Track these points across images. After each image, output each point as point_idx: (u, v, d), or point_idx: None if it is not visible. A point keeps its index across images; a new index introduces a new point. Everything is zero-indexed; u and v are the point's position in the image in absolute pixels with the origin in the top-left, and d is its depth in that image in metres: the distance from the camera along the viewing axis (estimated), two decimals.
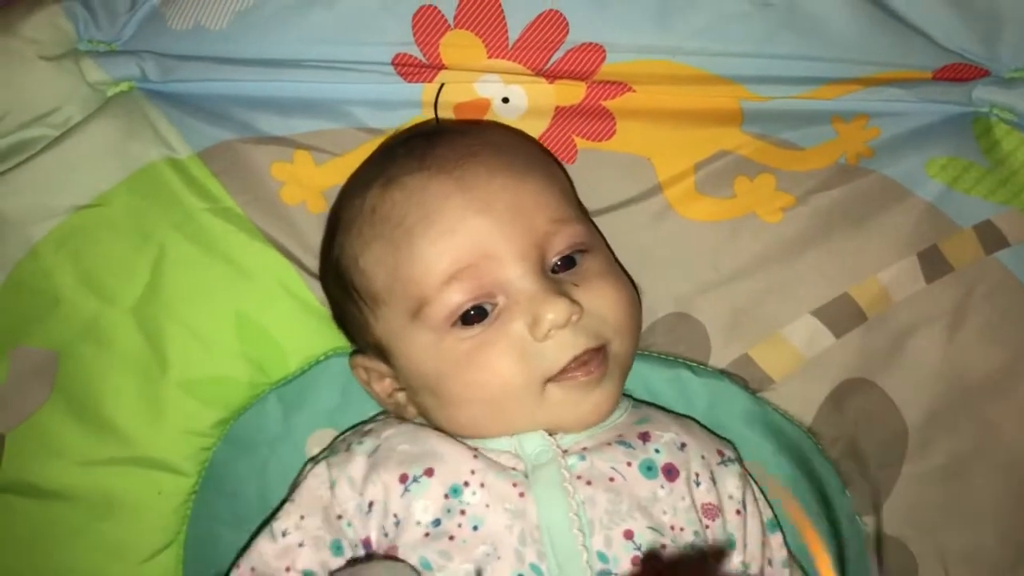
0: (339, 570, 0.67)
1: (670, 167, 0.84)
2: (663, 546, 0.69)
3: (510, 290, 0.70)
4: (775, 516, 0.79)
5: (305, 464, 0.77)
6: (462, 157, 0.73)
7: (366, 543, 0.70)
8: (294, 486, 0.76)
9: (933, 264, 0.82)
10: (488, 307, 0.70)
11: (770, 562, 0.76)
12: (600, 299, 0.72)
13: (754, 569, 0.74)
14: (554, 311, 0.68)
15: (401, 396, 0.77)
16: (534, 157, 0.79)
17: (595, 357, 0.71)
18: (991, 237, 0.82)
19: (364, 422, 0.82)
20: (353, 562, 0.69)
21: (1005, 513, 0.81)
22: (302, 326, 0.84)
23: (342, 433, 0.81)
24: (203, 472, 0.83)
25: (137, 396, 0.81)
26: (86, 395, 0.80)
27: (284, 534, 0.71)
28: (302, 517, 0.72)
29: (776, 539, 0.77)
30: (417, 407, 0.77)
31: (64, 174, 0.80)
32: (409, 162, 0.74)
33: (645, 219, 0.84)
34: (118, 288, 0.81)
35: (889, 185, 0.83)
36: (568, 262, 0.73)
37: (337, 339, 0.84)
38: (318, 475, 0.73)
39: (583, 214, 0.79)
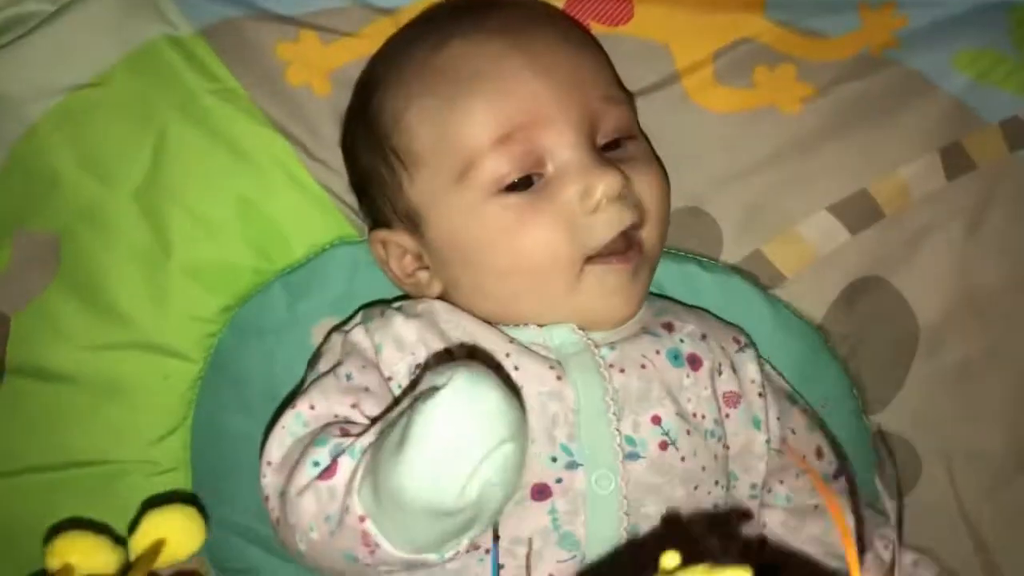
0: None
1: (688, 54, 0.82)
2: (687, 432, 0.69)
3: (561, 159, 0.68)
4: (792, 388, 0.80)
5: (329, 335, 0.76)
6: (522, 21, 0.72)
7: None
8: (316, 357, 0.74)
9: (955, 161, 0.81)
10: (535, 177, 0.69)
11: (793, 431, 0.76)
12: (643, 184, 0.71)
13: (775, 443, 0.74)
14: (606, 182, 0.67)
15: (423, 275, 0.76)
16: (585, 33, 0.78)
17: (632, 247, 0.70)
18: (1017, 134, 0.80)
19: (383, 301, 0.80)
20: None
21: (1013, 417, 0.81)
22: (306, 213, 0.82)
23: (359, 309, 0.79)
24: (209, 358, 0.83)
25: (141, 281, 0.80)
26: (90, 279, 0.80)
27: (348, 377, 0.69)
28: (363, 367, 0.70)
29: (796, 409, 0.78)
30: (444, 284, 0.75)
31: (61, 51, 0.78)
32: (464, 24, 0.72)
33: (661, 109, 0.82)
34: (119, 171, 0.80)
35: (914, 77, 0.81)
36: (613, 145, 0.72)
37: (343, 227, 0.83)
38: (361, 339, 0.71)
39: (631, 99, 0.78)
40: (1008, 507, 0.80)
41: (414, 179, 0.72)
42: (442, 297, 0.75)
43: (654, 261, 0.74)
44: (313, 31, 0.81)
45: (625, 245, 0.70)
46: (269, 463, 0.65)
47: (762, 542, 0.74)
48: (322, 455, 0.60)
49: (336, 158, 0.82)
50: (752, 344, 0.78)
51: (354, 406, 0.66)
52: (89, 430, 0.80)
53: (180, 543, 0.65)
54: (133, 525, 0.65)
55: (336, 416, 0.66)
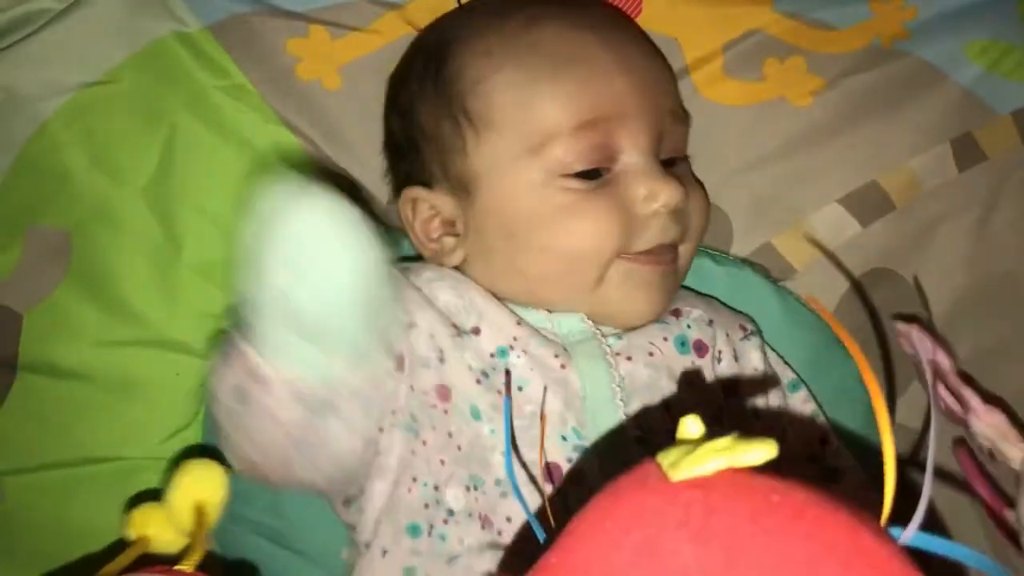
0: None
1: (698, 47, 0.82)
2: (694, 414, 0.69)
3: (630, 159, 0.69)
4: (798, 377, 0.79)
5: None
6: (608, 20, 0.73)
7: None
8: None
9: (966, 152, 0.80)
10: (603, 171, 0.69)
11: (798, 418, 0.76)
12: (693, 202, 0.72)
13: (775, 432, 0.74)
14: (669, 192, 0.68)
15: (448, 241, 0.74)
16: (657, 48, 0.79)
17: (668, 255, 0.71)
18: None
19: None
20: None
21: None
22: None
23: None
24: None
25: (152, 278, 0.80)
26: (100, 276, 0.80)
27: None
28: None
29: (799, 396, 0.77)
30: (468, 254, 0.73)
31: (71, 49, 0.78)
32: (553, 8, 0.72)
33: None
34: (129, 168, 0.80)
35: (924, 69, 0.81)
36: (668, 163, 0.72)
37: None
38: None
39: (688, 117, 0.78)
40: None
41: (481, 144, 0.71)
42: (459, 269, 0.74)
43: (682, 277, 0.75)
44: (322, 26, 0.81)
45: (662, 253, 0.70)
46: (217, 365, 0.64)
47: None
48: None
49: (345, 154, 0.82)
50: (758, 332, 0.78)
51: None
52: (102, 427, 0.81)
53: (213, 500, 0.65)
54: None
55: None
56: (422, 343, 0.69)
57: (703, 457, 0.33)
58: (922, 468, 0.37)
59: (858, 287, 0.82)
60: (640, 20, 0.81)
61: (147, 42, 0.79)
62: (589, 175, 0.69)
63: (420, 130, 0.75)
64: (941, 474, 0.76)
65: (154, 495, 0.66)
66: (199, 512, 0.62)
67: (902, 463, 0.35)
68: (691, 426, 0.36)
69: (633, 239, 0.69)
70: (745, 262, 0.84)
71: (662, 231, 0.69)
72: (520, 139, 0.69)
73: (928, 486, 0.33)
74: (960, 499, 0.76)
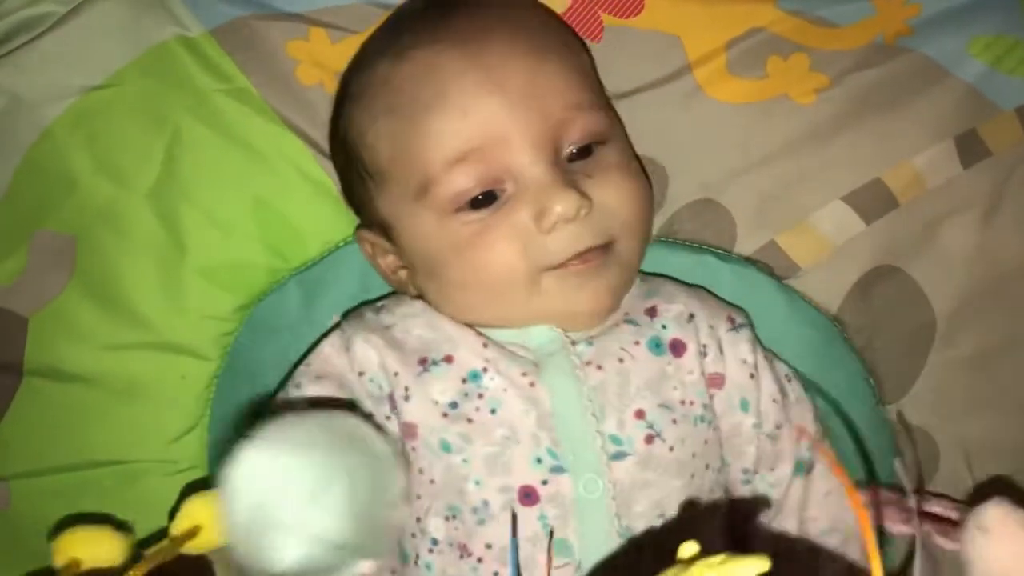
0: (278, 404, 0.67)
1: (701, 46, 0.81)
2: (674, 421, 0.69)
3: (520, 177, 0.67)
4: (795, 372, 0.79)
5: (318, 340, 0.76)
6: (478, 33, 0.69)
7: (392, 399, 0.70)
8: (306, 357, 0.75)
9: (971, 148, 0.80)
10: (498, 192, 0.68)
11: (788, 418, 0.76)
12: (613, 193, 0.69)
13: (767, 427, 0.74)
14: (563, 203, 0.65)
15: (403, 274, 0.76)
16: (554, 37, 0.75)
17: (597, 254, 0.69)
18: None
19: (374, 300, 0.81)
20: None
21: None
22: (320, 211, 0.83)
23: (345, 314, 0.79)
24: (225, 357, 0.83)
25: (157, 281, 0.81)
26: (106, 280, 0.80)
27: (298, 387, 0.71)
28: (317, 377, 0.71)
29: (793, 389, 0.77)
30: (416, 289, 0.75)
31: (73, 53, 0.78)
32: (422, 35, 0.71)
33: (673, 101, 0.82)
34: (133, 172, 0.80)
35: (928, 65, 0.81)
36: (584, 152, 0.70)
37: (356, 224, 0.83)
38: (333, 343, 0.73)
39: (604, 101, 0.76)
40: None
41: (381, 192, 0.72)
42: (422, 296, 0.76)
43: (628, 264, 0.72)
44: (322, 28, 0.80)
45: (587, 255, 0.68)
46: None
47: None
48: None
49: None
50: (749, 324, 0.77)
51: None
52: (107, 430, 0.81)
53: (217, 530, 0.65)
54: (173, 511, 0.65)
55: None
56: (387, 383, 0.70)
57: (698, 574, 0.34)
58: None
59: (863, 285, 0.82)
60: (641, 19, 0.81)
61: (150, 46, 0.79)
62: (487, 202, 0.68)
63: (342, 176, 0.78)
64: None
65: (76, 520, 0.66)
66: (191, 532, 0.62)
67: None
68: (687, 549, 0.38)
69: (540, 256, 0.67)
70: (749, 260, 0.84)
71: (572, 240, 0.67)
72: (407, 186, 0.69)
73: None
74: None
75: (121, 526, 0.65)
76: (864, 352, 0.83)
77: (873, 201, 0.81)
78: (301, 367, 0.74)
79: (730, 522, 0.73)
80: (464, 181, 0.67)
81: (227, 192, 0.81)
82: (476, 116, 0.67)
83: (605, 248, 0.69)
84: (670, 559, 0.38)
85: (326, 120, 0.81)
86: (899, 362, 0.82)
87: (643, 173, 0.76)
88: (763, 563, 0.35)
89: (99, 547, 0.63)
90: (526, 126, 0.67)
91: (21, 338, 0.80)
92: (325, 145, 0.82)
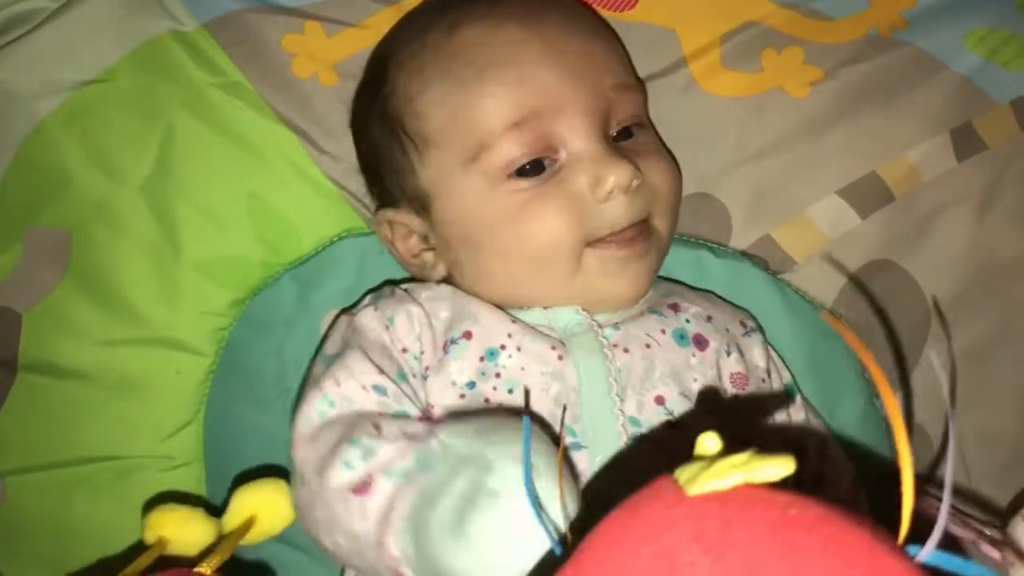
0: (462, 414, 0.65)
1: (695, 39, 0.81)
2: (692, 412, 0.69)
3: (573, 147, 0.68)
4: (794, 380, 0.79)
5: (336, 319, 0.75)
6: (535, 8, 0.71)
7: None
8: (324, 339, 0.74)
9: (966, 142, 0.80)
10: (547, 163, 0.68)
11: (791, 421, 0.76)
12: (657, 174, 0.71)
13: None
14: (618, 173, 0.67)
15: (428, 256, 0.76)
16: (599, 19, 0.78)
17: (641, 233, 0.70)
18: None
19: (391, 281, 0.80)
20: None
21: None
22: (314, 206, 0.82)
23: (366, 293, 0.78)
24: (220, 352, 0.83)
25: (151, 276, 0.80)
26: (100, 275, 0.80)
27: (363, 349, 0.68)
28: (372, 343, 0.69)
29: (795, 401, 0.77)
30: (448, 265, 0.75)
31: (67, 48, 0.78)
32: (479, 8, 0.71)
33: (668, 94, 0.82)
34: (127, 167, 0.80)
35: (923, 58, 0.80)
36: (625, 133, 0.72)
37: (351, 219, 0.83)
38: (370, 319, 0.71)
39: (643, 87, 0.78)
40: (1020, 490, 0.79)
41: (425, 160, 0.72)
42: (447, 280, 0.75)
43: (664, 246, 0.74)
44: (317, 22, 0.80)
45: (633, 233, 0.70)
46: (300, 438, 0.64)
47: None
48: (354, 457, 0.59)
49: (343, 150, 0.82)
50: (759, 328, 0.78)
51: (381, 372, 0.66)
52: (103, 426, 0.81)
53: (272, 519, 0.65)
54: (225, 503, 0.66)
55: (364, 387, 0.65)
56: (417, 364, 0.69)
57: (720, 472, 0.33)
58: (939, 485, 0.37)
59: (858, 279, 0.82)
60: (636, 12, 0.81)
61: (143, 40, 0.79)
62: (534, 172, 0.68)
63: (374, 152, 0.77)
64: (958, 492, 0.77)
65: (169, 497, 0.67)
66: (247, 524, 0.62)
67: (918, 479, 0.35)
68: (708, 442, 0.36)
69: (594, 226, 0.68)
70: (744, 255, 0.84)
71: (624, 212, 0.68)
72: (459, 150, 0.69)
73: (946, 505, 0.33)
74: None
75: (212, 510, 0.65)
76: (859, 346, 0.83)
77: (868, 195, 0.81)
78: (355, 341, 0.70)
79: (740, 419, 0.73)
80: (518, 147, 0.68)
81: (221, 187, 0.80)
82: (534, 83, 0.68)
83: (648, 227, 0.70)
84: (685, 457, 0.38)
85: (321, 114, 0.81)
86: (895, 356, 0.82)
87: (673, 156, 0.77)
88: (789, 463, 0.34)
89: (188, 528, 0.63)
90: (583, 97, 0.68)
91: (15, 334, 0.80)
92: (319, 139, 0.81)
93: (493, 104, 0.68)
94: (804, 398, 0.78)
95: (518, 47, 0.69)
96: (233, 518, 0.64)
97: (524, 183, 0.68)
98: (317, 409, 0.64)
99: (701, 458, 0.35)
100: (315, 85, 0.81)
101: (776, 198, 0.83)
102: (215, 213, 0.80)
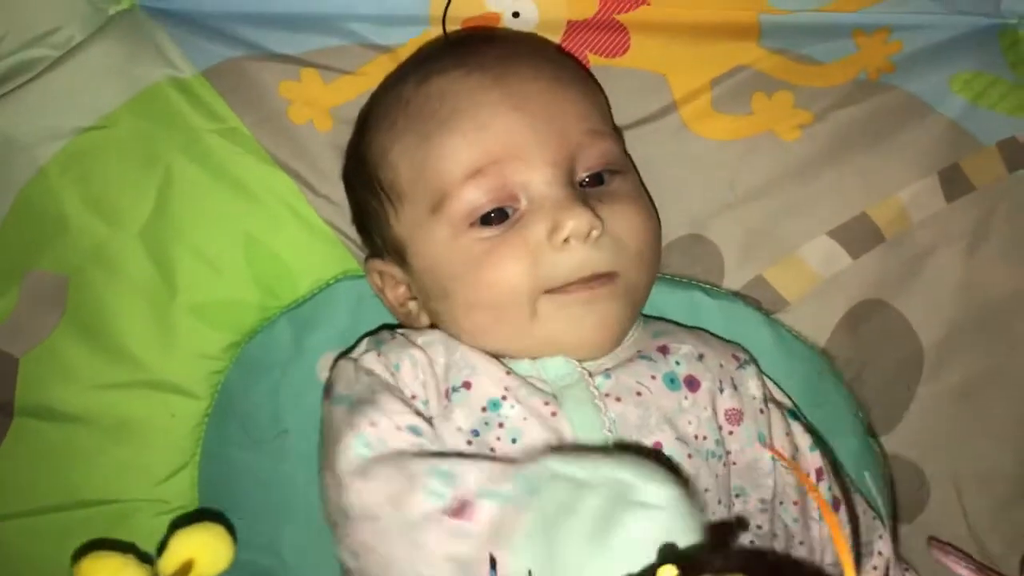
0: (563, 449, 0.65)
1: (686, 83, 0.83)
2: (688, 456, 0.68)
3: (534, 194, 0.68)
4: (794, 405, 0.79)
5: (336, 363, 0.75)
6: (503, 57, 0.72)
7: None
8: (329, 385, 0.73)
9: (954, 183, 0.81)
10: (509, 211, 0.69)
11: (797, 448, 0.76)
12: (623, 223, 0.70)
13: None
14: (576, 219, 0.66)
15: (413, 305, 0.77)
16: (574, 67, 0.78)
17: (602, 281, 0.69)
18: (1015, 154, 0.81)
19: (387, 326, 0.81)
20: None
21: (1021, 434, 0.80)
22: (311, 249, 0.83)
23: (362, 337, 0.78)
24: (216, 395, 0.83)
25: (147, 320, 0.80)
26: (97, 319, 0.80)
27: (387, 389, 0.68)
28: (385, 387, 0.68)
29: (799, 426, 0.77)
30: (429, 315, 0.76)
31: (67, 95, 0.79)
32: (447, 60, 0.73)
33: (660, 138, 0.83)
34: (125, 212, 0.80)
35: (910, 101, 0.82)
36: (596, 180, 0.71)
37: (346, 262, 0.84)
38: (374, 364, 0.70)
39: (619, 135, 0.78)
40: (1018, 528, 0.79)
41: (399, 213, 0.73)
42: (434, 325, 0.76)
43: (637, 297, 0.73)
44: (314, 69, 0.81)
45: (591, 282, 0.68)
46: (349, 478, 0.62)
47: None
48: (437, 485, 0.58)
49: (339, 193, 0.82)
50: (753, 360, 0.78)
51: (416, 413, 0.66)
52: (98, 470, 0.80)
53: (209, 563, 0.64)
54: (161, 546, 0.64)
55: (399, 427, 0.64)
56: (426, 407, 0.69)
57: None
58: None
59: (850, 318, 0.83)
60: (627, 58, 0.82)
61: (143, 88, 0.79)
62: (499, 220, 0.68)
63: (360, 203, 0.79)
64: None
65: (102, 544, 0.66)
66: (185, 568, 0.62)
67: None
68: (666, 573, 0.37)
69: (550, 274, 0.68)
70: (737, 295, 0.84)
71: (581, 262, 0.68)
72: (424, 201, 0.70)
73: None
74: None
75: (144, 557, 0.64)
76: (853, 385, 0.83)
77: (859, 235, 0.82)
78: (365, 377, 0.70)
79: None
80: (478, 195, 0.68)
81: (218, 230, 0.81)
82: (494, 130, 0.68)
83: (610, 277, 0.69)
84: None
85: (317, 159, 0.82)
86: (888, 395, 0.83)
87: (653, 208, 0.76)
88: None
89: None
90: (544, 144, 0.68)
91: (12, 378, 0.80)
92: (316, 183, 0.82)
93: (453, 153, 0.69)
94: (808, 424, 0.78)
95: (479, 96, 0.69)
96: (169, 563, 0.63)
97: (487, 231, 0.69)
98: (355, 450, 0.63)
99: None
100: (311, 130, 0.82)
101: (768, 239, 0.83)
102: (212, 256, 0.81)
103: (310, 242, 0.83)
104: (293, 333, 0.83)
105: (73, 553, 0.71)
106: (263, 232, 0.82)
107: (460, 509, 0.56)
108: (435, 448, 0.64)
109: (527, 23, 0.81)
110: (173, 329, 0.81)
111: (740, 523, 0.72)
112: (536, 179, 0.68)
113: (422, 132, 0.71)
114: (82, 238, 0.80)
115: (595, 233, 0.67)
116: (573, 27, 0.81)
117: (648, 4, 0.81)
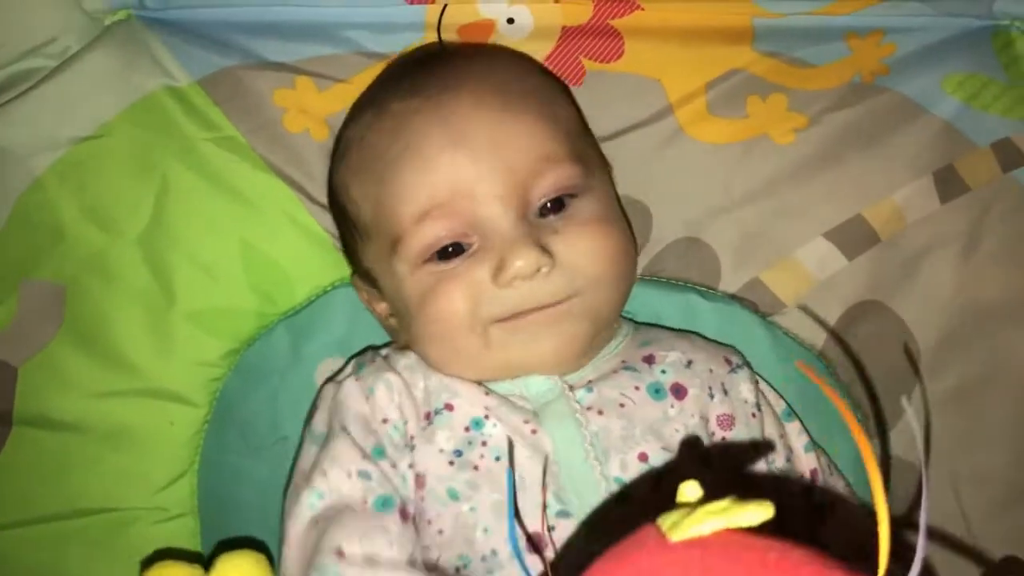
0: None
1: (680, 87, 0.83)
2: (675, 464, 0.69)
3: (485, 230, 0.68)
4: (788, 406, 0.79)
5: (321, 388, 0.76)
6: (448, 88, 0.71)
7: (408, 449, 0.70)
8: (312, 410, 0.75)
9: (949, 184, 0.81)
10: (466, 245, 0.69)
11: (792, 450, 0.76)
12: (581, 249, 0.69)
13: (779, 463, 0.74)
14: (522, 259, 0.65)
15: (394, 322, 0.77)
16: (531, 89, 0.74)
17: (554, 304, 0.68)
18: (1009, 155, 0.81)
19: (372, 348, 0.81)
20: None
21: (1018, 435, 0.81)
22: (308, 255, 0.83)
23: (350, 359, 0.80)
24: (214, 402, 0.83)
25: (145, 328, 0.81)
26: (95, 328, 0.80)
27: (345, 430, 0.69)
28: (355, 419, 0.70)
29: (793, 427, 0.77)
30: (406, 338, 0.76)
31: (64, 105, 0.79)
32: (401, 89, 0.73)
33: (655, 142, 0.83)
34: (122, 220, 0.80)
35: (904, 103, 0.82)
36: (557, 205, 0.70)
37: (343, 268, 0.84)
38: (353, 390, 0.72)
39: (589, 149, 0.77)
40: (1016, 528, 0.79)
41: (365, 247, 0.75)
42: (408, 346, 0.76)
43: (600, 316, 0.71)
44: (309, 77, 0.82)
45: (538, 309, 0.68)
46: (292, 538, 0.66)
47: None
48: None
49: None
50: (746, 364, 0.78)
51: (365, 456, 0.67)
52: (97, 478, 0.81)
53: None
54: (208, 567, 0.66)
55: (349, 474, 0.67)
56: (404, 431, 0.70)
57: (701, 518, 0.33)
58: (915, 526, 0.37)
59: (846, 320, 0.83)
60: (621, 63, 0.82)
61: (139, 97, 0.80)
62: (456, 254, 0.69)
63: (338, 226, 0.80)
64: (935, 533, 0.77)
65: (167, 554, 0.67)
66: None
67: (895, 521, 0.36)
68: (689, 490, 0.36)
69: (496, 311, 0.68)
70: (734, 298, 0.84)
71: (524, 297, 0.67)
72: (383, 240, 0.71)
73: (922, 546, 0.34)
74: (955, 560, 0.77)
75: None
76: (850, 387, 0.84)
77: (855, 237, 0.82)
78: (334, 409, 0.72)
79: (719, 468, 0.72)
80: (430, 235, 0.68)
81: (215, 238, 0.81)
82: (440, 171, 0.68)
83: (562, 301, 0.69)
84: (666, 507, 0.38)
85: (312, 166, 0.82)
86: (885, 396, 0.83)
87: (623, 222, 0.76)
88: (767, 509, 0.34)
89: None
90: (491, 179, 0.68)
91: (11, 387, 0.80)
92: (312, 191, 0.83)
93: (403, 195, 0.69)
94: (803, 425, 0.78)
95: (424, 133, 0.69)
96: None
97: (440, 266, 0.69)
98: (307, 502, 0.66)
99: (684, 505, 0.35)
100: (307, 139, 0.82)
101: (764, 242, 0.84)
102: (209, 264, 0.81)
103: (307, 249, 0.83)
104: (291, 340, 0.84)
105: (142, 561, 0.73)
106: (260, 239, 0.82)
107: None
108: (384, 489, 0.66)
109: (522, 29, 0.81)
110: (171, 337, 0.81)
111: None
112: (484, 214, 0.68)
113: (375, 172, 0.71)
114: (80, 247, 0.80)
115: (544, 271, 0.67)
116: (567, 33, 0.82)
117: (642, 9, 0.81)
